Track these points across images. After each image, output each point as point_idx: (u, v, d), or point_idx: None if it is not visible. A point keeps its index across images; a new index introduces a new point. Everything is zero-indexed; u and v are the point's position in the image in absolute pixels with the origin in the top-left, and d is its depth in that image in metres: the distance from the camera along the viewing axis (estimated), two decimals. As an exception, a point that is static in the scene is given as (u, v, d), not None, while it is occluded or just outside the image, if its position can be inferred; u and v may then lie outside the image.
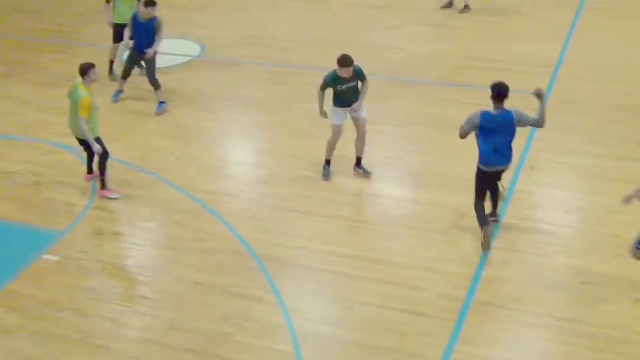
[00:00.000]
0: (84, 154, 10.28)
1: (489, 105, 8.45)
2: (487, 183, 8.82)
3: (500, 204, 9.20)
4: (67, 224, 9.65)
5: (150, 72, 12.26)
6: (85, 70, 9.62)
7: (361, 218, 9.71)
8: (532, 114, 8.55)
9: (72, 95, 9.78)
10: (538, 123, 8.56)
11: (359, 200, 10.18)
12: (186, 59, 14.12)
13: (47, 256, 9.04)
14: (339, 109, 10.03)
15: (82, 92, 9.61)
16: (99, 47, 14.42)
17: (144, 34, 12.10)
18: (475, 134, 8.57)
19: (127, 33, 12.23)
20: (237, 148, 11.59)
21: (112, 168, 10.76)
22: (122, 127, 11.87)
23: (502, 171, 8.84)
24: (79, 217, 9.79)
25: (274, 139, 11.47)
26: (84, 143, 10.03)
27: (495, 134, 8.45)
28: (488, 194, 8.92)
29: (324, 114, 10.08)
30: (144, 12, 11.99)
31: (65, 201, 10.13)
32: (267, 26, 15.34)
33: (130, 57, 12.49)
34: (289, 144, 11.29)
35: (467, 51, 14.09)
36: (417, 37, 14.91)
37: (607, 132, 11.22)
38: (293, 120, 11.92)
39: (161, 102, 12.36)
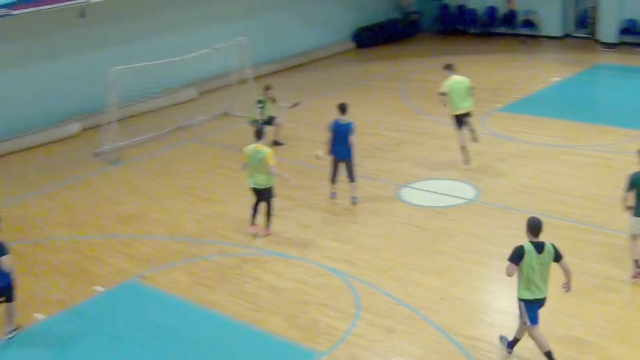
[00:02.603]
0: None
1: None
2: None
3: None
4: (328, 346, 9.95)
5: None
6: (257, 133, 12.71)
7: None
8: None
9: (255, 156, 12.60)
10: None
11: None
12: (461, 201, 14.27)
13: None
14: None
15: (264, 149, 12.59)
16: (377, 180, 15.18)
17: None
18: None
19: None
20: (502, 296, 11.31)
21: (376, 297, 11.04)
22: (386, 261, 12.19)
23: None
24: (340, 341, 10.06)
25: (542, 292, 11.08)
26: (261, 195, 12.88)
27: None
28: None
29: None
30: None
31: (329, 324, 10.48)
32: (548, 178, 15.12)
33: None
34: (558, 299, 10.82)
35: None
36: None
37: None
38: (562, 276, 11.46)
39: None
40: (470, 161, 15.80)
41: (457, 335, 10.06)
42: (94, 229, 14.05)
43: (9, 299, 10.49)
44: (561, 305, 10.66)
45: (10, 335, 10.62)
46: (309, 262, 12.27)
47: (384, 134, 18.37)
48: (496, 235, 12.88)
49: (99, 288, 11.87)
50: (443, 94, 15.64)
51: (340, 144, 14.07)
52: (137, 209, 14.83)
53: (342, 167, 14.26)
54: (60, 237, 13.77)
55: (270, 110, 17.48)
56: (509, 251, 12.13)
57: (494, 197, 14.34)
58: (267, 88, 17.42)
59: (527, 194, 14.44)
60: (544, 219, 13.12)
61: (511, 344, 9.50)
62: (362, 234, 13.28)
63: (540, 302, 9.17)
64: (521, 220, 13.22)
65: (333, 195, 14.59)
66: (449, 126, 17.88)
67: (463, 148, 15.82)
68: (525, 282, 9.03)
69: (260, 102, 17.21)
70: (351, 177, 14.26)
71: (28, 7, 17.32)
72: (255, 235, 13.20)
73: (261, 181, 12.84)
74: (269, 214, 13.14)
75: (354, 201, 14.34)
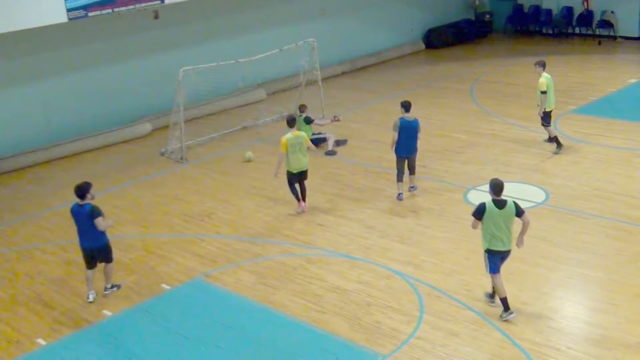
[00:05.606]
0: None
1: None
2: None
3: None
4: (391, 349, 9.86)
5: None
6: (292, 121, 14.13)
7: None
8: None
9: (296, 142, 13.80)
10: None
11: None
12: (530, 204, 13.96)
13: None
14: None
15: (301, 133, 14.04)
16: (448, 183, 15.00)
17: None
18: None
19: None
20: (571, 302, 11.02)
21: (440, 301, 10.90)
22: (452, 264, 12.05)
23: None
24: (403, 344, 9.96)
25: (612, 298, 10.75)
26: (302, 176, 14.13)
27: None
28: None
29: None
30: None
31: (392, 326, 10.38)
32: (621, 181, 14.69)
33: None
34: (629, 306, 10.51)
35: None
36: None
37: None
38: (636, 282, 11.13)
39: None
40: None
41: (522, 341, 9.84)
42: (161, 228, 14.26)
43: (107, 259, 11.67)
44: (631, 313, 10.34)
45: (109, 292, 11.82)
46: (373, 264, 12.19)
47: (453, 136, 18.15)
48: (566, 239, 12.57)
49: (165, 286, 12.04)
50: (545, 92, 15.93)
51: (408, 142, 14.19)
52: (204, 208, 14.99)
53: (406, 163, 14.49)
54: (128, 235, 14.02)
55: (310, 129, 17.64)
56: (579, 256, 12.07)
57: (564, 200, 14.00)
58: (302, 108, 17.60)
59: (599, 197, 14.04)
60: (616, 225, 12.94)
61: (492, 295, 10.69)
62: (428, 236, 13.12)
63: (502, 255, 10.30)
64: (593, 225, 13.02)
65: (401, 197, 14.48)
66: (519, 128, 17.66)
67: (557, 137, 16.44)
68: (490, 236, 10.16)
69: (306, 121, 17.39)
70: (413, 169, 14.65)
71: (104, 9, 17.68)
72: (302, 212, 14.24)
73: (305, 163, 14.08)
74: (305, 190, 14.38)
75: (414, 189, 14.73)
